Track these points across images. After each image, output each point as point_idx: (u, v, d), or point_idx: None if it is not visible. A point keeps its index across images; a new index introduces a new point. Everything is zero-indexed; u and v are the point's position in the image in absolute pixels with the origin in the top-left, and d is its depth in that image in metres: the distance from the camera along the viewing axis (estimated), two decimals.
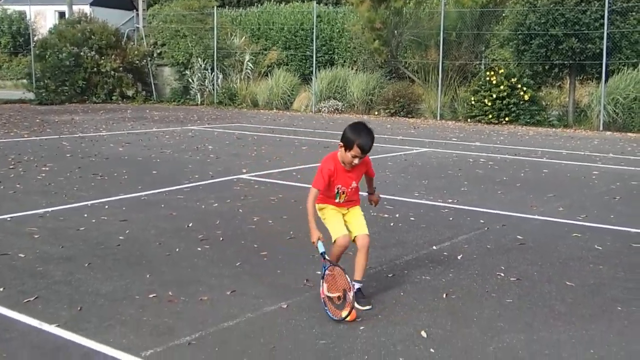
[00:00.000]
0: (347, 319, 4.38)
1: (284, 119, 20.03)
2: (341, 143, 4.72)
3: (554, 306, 4.70)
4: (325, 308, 4.50)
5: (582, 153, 13.05)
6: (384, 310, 4.59)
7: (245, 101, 23.72)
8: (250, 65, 24.36)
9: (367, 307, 4.64)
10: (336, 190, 4.84)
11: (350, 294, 4.41)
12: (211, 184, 9.18)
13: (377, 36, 20.84)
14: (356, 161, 4.71)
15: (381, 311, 4.58)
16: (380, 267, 5.58)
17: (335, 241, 4.79)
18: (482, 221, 7.23)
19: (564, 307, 4.68)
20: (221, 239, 6.39)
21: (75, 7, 30.07)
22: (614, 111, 17.56)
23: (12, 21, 41.15)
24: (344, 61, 24.19)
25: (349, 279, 4.47)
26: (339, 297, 4.56)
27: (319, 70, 23.02)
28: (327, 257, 4.69)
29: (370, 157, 4.99)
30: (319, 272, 5.36)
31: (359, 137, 4.64)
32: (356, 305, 4.56)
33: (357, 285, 4.72)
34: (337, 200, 4.88)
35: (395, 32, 21.42)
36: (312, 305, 4.67)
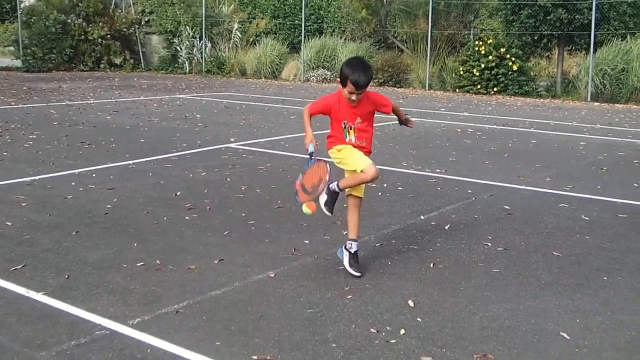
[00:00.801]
0: (304, 209, 4.50)
1: (273, 88, 19.93)
2: (339, 79, 4.69)
3: (541, 276, 4.74)
4: (295, 195, 4.66)
5: (570, 124, 13.08)
6: (372, 280, 4.62)
7: (233, 70, 23.57)
8: (239, 34, 24.16)
9: (356, 274, 4.66)
10: (343, 126, 4.81)
11: (322, 186, 4.47)
12: (199, 153, 9.15)
13: (364, 5, 20.69)
14: (353, 97, 4.65)
15: (369, 280, 4.60)
16: (368, 236, 5.59)
17: (363, 170, 4.57)
18: (469, 191, 7.25)
19: (551, 277, 4.72)
20: (209, 207, 6.39)
21: None
22: (602, 82, 17.58)
23: None
24: (333, 30, 24.01)
25: (328, 169, 4.54)
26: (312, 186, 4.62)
27: (307, 39, 22.86)
28: (315, 157, 4.73)
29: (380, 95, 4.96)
30: (307, 242, 5.38)
31: (352, 73, 4.55)
32: (348, 268, 4.63)
33: (333, 190, 4.71)
34: (347, 139, 4.83)
35: (384, 1, 21.27)
36: (300, 274, 4.68)
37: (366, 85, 4.61)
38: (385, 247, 5.32)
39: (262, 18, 24.93)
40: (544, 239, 5.60)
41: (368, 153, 4.90)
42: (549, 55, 20.25)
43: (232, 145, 9.85)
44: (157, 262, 4.88)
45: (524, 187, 7.53)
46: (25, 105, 13.96)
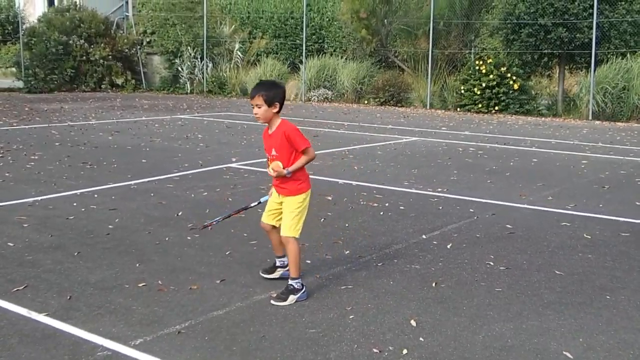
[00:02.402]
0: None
1: None
2: None
3: (543, 295, 4.73)
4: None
5: (571, 142, 13.09)
6: (374, 299, 4.60)
7: (234, 90, 23.66)
8: (240, 54, 24.27)
9: (277, 303, 4.49)
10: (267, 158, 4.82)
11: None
12: (201, 173, 9.16)
13: (364, 25, 20.80)
14: (254, 111, 4.68)
15: (371, 300, 4.59)
16: (370, 256, 5.59)
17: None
18: (471, 210, 7.25)
19: (553, 296, 4.71)
20: (210, 228, 6.38)
21: None
22: (603, 100, 17.62)
23: (1, 9, 40.80)
24: (334, 50, 24.13)
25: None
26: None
27: (308, 58, 22.97)
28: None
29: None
30: (309, 262, 5.38)
31: None
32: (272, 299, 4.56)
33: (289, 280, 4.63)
34: (268, 171, 4.73)
35: (385, 21, 21.39)
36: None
37: (252, 97, 4.64)
38: (387, 267, 5.31)
39: (263, 37, 25.07)
40: (547, 258, 5.58)
41: (289, 193, 4.69)
42: (549, 74, 20.31)
43: (233, 165, 9.87)
44: (159, 282, 4.87)
45: (525, 205, 7.52)
46: (27, 126, 14.01)
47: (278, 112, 4.70)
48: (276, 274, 4.96)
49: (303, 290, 4.59)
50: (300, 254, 4.70)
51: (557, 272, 5.22)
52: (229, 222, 6.55)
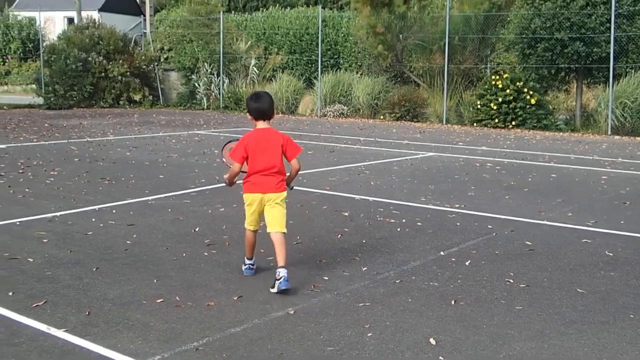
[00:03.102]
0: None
1: (290, 123, 20.03)
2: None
3: (565, 313, 4.67)
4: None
5: (591, 157, 13.00)
6: (392, 317, 4.57)
7: None
8: (256, 70, 24.38)
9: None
10: None
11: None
12: (217, 189, 9.17)
13: (380, 41, 20.84)
14: None
15: (389, 318, 4.55)
16: (388, 273, 5.55)
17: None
18: (490, 226, 7.20)
19: (575, 315, 4.65)
20: (227, 243, 6.38)
21: (84, 13, 30.12)
22: (622, 115, 17.50)
23: (22, 27, 41.36)
24: (349, 65, 24.18)
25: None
26: None
27: (324, 74, 23.01)
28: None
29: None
30: (326, 278, 5.35)
31: None
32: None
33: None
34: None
35: (400, 36, 21.41)
36: (320, 311, 4.65)
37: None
38: (405, 284, 5.28)
39: (278, 53, 25.17)
40: (568, 276, 5.53)
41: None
42: (567, 89, 20.21)
43: None
44: (177, 298, 4.87)
45: (545, 222, 7.46)
46: (46, 142, 14.12)
47: (254, 120, 5.38)
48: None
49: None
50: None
51: (578, 290, 5.16)
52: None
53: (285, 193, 5.27)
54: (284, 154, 5.26)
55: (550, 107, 19.31)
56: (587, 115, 18.83)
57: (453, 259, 5.97)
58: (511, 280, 5.37)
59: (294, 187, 5.51)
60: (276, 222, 5.20)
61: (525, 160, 12.42)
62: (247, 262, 5.49)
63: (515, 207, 8.25)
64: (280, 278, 4.98)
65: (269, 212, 5.22)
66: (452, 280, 5.38)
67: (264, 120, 5.31)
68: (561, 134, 17.79)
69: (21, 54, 41.03)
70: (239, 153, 5.19)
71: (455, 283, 5.31)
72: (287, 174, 5.34)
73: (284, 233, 5.21)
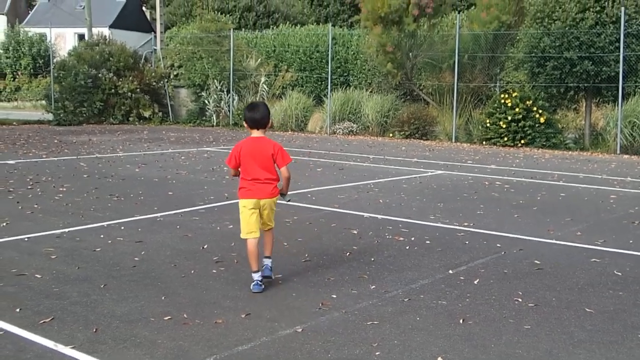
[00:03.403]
0: None
1: (299, 140, 20.07)
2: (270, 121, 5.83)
3: (574, 333, 4.64)
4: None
5: (600, 176, 12.96)
6: (400, 336, 4.55)
7: None
8: (266, 87, 24.48)
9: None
10: None
11: None
12: (226, 206, 9.18)
13: (390, 59, 20.90)
14: None
15: (397, 336, 4.54)
16: (396, 291, 5.54)
17: None
18: (498, 245, 7.18)
19: (584, 334, 4.62)
20: (236, 261, 6.38)
21: (94, 30, 30.37)
22: (631, 134, 17.46)
23: (33, 43, 41.73)
24: (359, 83, 24.26)
25: None
26: None
27: (333, 92, 23.09)
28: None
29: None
30: (334, 296, 5.34)
31: None
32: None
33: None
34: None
35: (410, 54, 21.47)
36: (328, 330, 4.63)
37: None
38: (414, 302, 5.26)
39: (288, 71, 25.27)
40: (576, 295, 5.49)
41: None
42: (576, 108, 20.19)
43: None
44: (184, 315, 4.86)
45: (554, 241, 7.43)
46: (56, 158, 14.19)
47: (249, 128, 5.68)
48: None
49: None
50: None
51: (587, 309, 5.13)
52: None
53: (277, 197, 5.73)
54: (275, 162, 5.60)
55: (560, 125, 19.29)
56: (596, 134, 18.80)
57: (462, 278, 5.94)
58: (520, 300, 5.34)
59: (291, 201, 5.77)
60: (267, 221, 5.72)
61: (534, 179, 12.39)
62: (255, 277, 5.52)
63: (524, 225, 8.23)
64: (264, 266, 5.59)
65: (262, 215, 5.66)
66: (460, 299, 5.36)
67: (258, 129, 5.63)
68: (570, 152, 17.75)
69: (31, 70, 41.37)
70: (232, 159, 5.62)
71: (463, 302, 5.28)
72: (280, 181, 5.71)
73: (272, 228, 5.78)
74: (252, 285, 5.50)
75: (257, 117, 5.60)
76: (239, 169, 5.64)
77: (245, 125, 5.68)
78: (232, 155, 5.60)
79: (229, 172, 5.94)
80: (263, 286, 5.50)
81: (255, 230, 5.54)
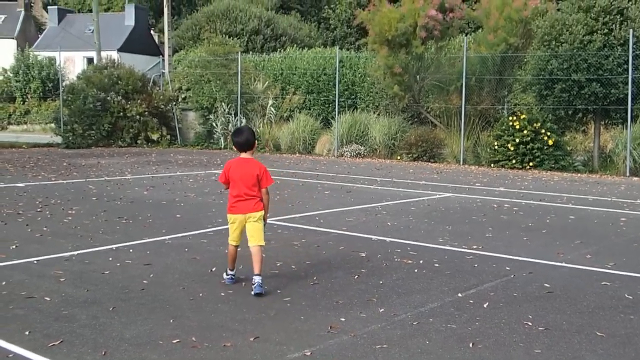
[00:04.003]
0: None
1: (307, 163, 20.10)
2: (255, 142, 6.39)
3: (584, 357, 4.60)
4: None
5: (609, 199, 12.91)
6: (410, 359, 4.52)
7: (267, 145, 23.88)
8: (273, 109, 24.58)
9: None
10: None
11: None
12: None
13: (397, 81, 20.99)
14: None
15: None
16: (405, 314, 5.51)
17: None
18: (508, 268, 7.14)
19: (595, 358, 4.58)
20: (244, 284, 6.37)
21: (103, 53, 30.66)
22: None
23: (42, 67, 42.11)
24: (367, 105, 24.33)
25: None
26: None
27: (341, 114, 23.16)
28: None
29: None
30: (343, 319, 5.32)
31: None
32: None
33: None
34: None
35: (417, 77, 21.55)
36: (337, 353, 4.61)
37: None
38: (423, 326, 5.23)
39: (295, 93, 25.39)
40: (587, 319, 5.46)
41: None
42: (585, 130, 20.17)
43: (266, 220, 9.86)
44: (193, 338, 4.85)
45: (563, 264, 7.39)
46: (65, 181, 14.25)
47: (237, 150, 6.32)
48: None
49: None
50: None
51: (598, 333, 5.09)
52: (263, 279, 6.53)
53: (262, 212, 6.27)
54: (259, 182, 6.23)
55: (568, 148, 19.28)
56: (605, 157, 18.76)
57: (471, 301, 5.91)
58: (530, 323, 5.31)
59: (266, 224, 6.44)
60: (255, 236, 6.17)
61: (543, 202, 12.35)
62: (230, 272, 6.42)
63: (533, 248, 8.19)
64: (255, 284, 5.99)
65: (249, 228, 6.19)
66: (470, 322, 5.33)
67: (245, 152, 6.27)
68: (579, 175, 17.71)
69: (41, 94, 41.69)
70: (223, 176, 6.30)
71: (473, 325, 5.25)
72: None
73: (261, 246, 6.19)
74: (225, 278, 6.42)
75: (241, 141, 6.23)
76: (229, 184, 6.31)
77: (234, 148, 6.31)
78: (223, 172, 6.28)
79: (222, 186, 6.52)
80: (234, 280, 6.38)
81: (237, 241, 6.30)
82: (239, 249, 6.39)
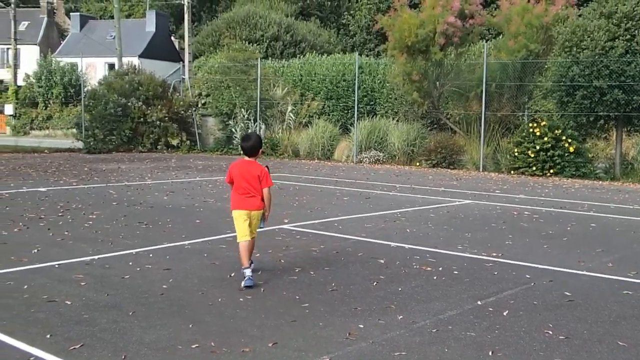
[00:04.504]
0: None
1: (325, 169, 20.11)
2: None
3: None
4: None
5: (631, 207, 12.79)
6: None
7: (286, 151, 23.93)
8: (292, 115, 24.63)
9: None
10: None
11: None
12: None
13: (416, 88, 20.96)
14: None
15: None
16: (424, 321, 5.49)
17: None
18: (528, 276, 7.09)
19: None
20: (263, 289, 6.38)
21: (124, 59, 30.90)
22: None
23: (64, 73, 42.56)
24: (386, 112, 24.31)
25: None
26: None
27: (360, 120, 23.16)
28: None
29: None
30: (362, 326, 5.31)
31: None
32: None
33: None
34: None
35: (437, 83, 21.51)
36: (355, 359, 4.61)
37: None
38: (442, 334, 5.21)
39: (314, 99, 25.42)
40: (608, 328, 5.40)
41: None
42: (606, 137, 20.02)
43: (285, 226, 9.90)
44: (212, 344, 4.86)
45: (584, 272, 7.33)
46: (85, 186, 14.36)
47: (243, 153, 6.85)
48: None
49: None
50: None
51: (619, 343, 5.04)
52: (281, 285, 6.54)
53: (262, 210, 6.75)
54: (260, 183, 6.67)
55: (589, 155, 19.13)
56: (627, 164, 18.60)
57: (490, 309, 5.88)
58: (550, 332, 5.27)
59: (263, 227, 6.99)
60: (253, 231, 6.71)
61: (564, 209, 12.26)
62: (247, 273, 6.50)
63: (553, 256, 8.13)
64: (245, 277, 6.43)
65: (251, 224, 6.69)
66: (489, 330, 5.30)
67: (249, 156, 6.75)
68: (600, 182, 17.57)
69: (63, 99, 42.11)
70: (228, 177, 6.82)
71: (492, 333, 5.22)
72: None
73: (254, 237, 6.76)
74: (244, 282, 6.44)
75: (248, 147, 6.75)
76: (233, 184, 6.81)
77: (242, 152, 6.84)
78: (228, 173, 6.82)
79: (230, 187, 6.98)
80: (253, 280, 6.49)
81: (247, 235, 6.62)
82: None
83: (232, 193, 6.75)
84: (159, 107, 25.35)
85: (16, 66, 44.29)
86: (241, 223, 6.64)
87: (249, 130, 24.56)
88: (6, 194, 12.75)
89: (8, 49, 46.67)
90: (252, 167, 6.69)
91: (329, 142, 23.53)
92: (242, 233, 6.63)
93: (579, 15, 19.78)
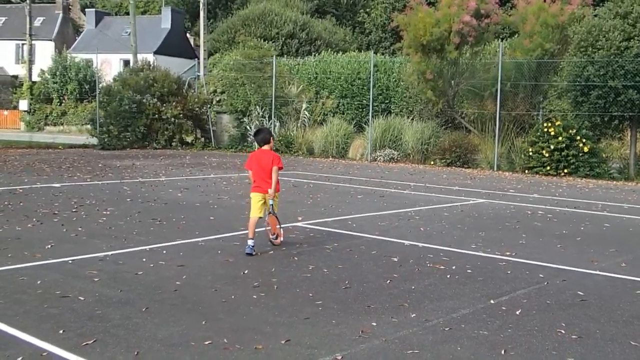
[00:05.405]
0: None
1: (340, 167, 20.11)
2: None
3: None
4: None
5: None
6: None
7: (301, 149, 23.94)
8: (307, 113, 24.64)
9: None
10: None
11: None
12: (267, 231, 9.20)
13: (431, 86, 20.91)
14: None
15: None
16: (437, 320, 5.49)
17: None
18: (541, 275, 7.07)
19: None
20: (276, 287, 6.40)
21: (139, 56, 31.04)
22: None
23: (79, 69, 42.75)
24: (400, 110, 24.27)
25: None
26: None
27: (374, 118, 23.14)
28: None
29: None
30: (374, 324, 5.32)
31: None
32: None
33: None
34: None
35: (452, 82, 21.45)
36: (368, 358, 4.61)
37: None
38: (455, 332, 5.20)
39: (329, 97, 25.42)
40: (621, 328, 5.38)
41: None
42: (621, 137, 19.88)
43: (299, 224, 9.91)
44: (225, 340, 4.88)
45: (598, 272, 7.30)
46: (100, 182, 14.44)
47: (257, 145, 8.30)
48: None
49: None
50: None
51: (632, 343, 5.02)
52: (294, 282, 6.56)
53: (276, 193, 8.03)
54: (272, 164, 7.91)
55: (604, 155, 19.02)
56: None
57: (503, 308, 5.87)
58: (563, 331, 5.25)
59: (272, 203, 8.04)
60: (267, 206, 8.00)
61: (578, 209, 12.21)
62: (249, 242, 7.73)
63: (567, 256, 8.10)
64: (247, 245, 7.71)
65: (266, 203, 7.98)
66: (502, 329, 5.29)
67: (263, 146, 8.05)
68: (615, 182, 17.46)
69: (77, 95, 42.31)
70: (247, 164, 8.05)
71: (505, 332, 5.21)
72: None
73: (275, 213, 8.10)
74: (247, 250, 7.66)
75: (258, 139, 8.14)
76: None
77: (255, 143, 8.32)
78: (248, 161, 8.06)
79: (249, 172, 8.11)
80: (254, 250, 7.67)
81: (259, 213, 7.92)
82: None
83: (252, 178, 8.00)
84: (174, 104, 25.42)
85: (31, 62, 44.56)
86: (255, 203, 7.91)
87: None
88: (20, 189, 12.84)
89: (23, 44, 46.93)
90: (267, 156, 7.94)
91: (344, 140, 23.52)
92: (254, 211, 7.91)
93: (595, 15, 19.66)
